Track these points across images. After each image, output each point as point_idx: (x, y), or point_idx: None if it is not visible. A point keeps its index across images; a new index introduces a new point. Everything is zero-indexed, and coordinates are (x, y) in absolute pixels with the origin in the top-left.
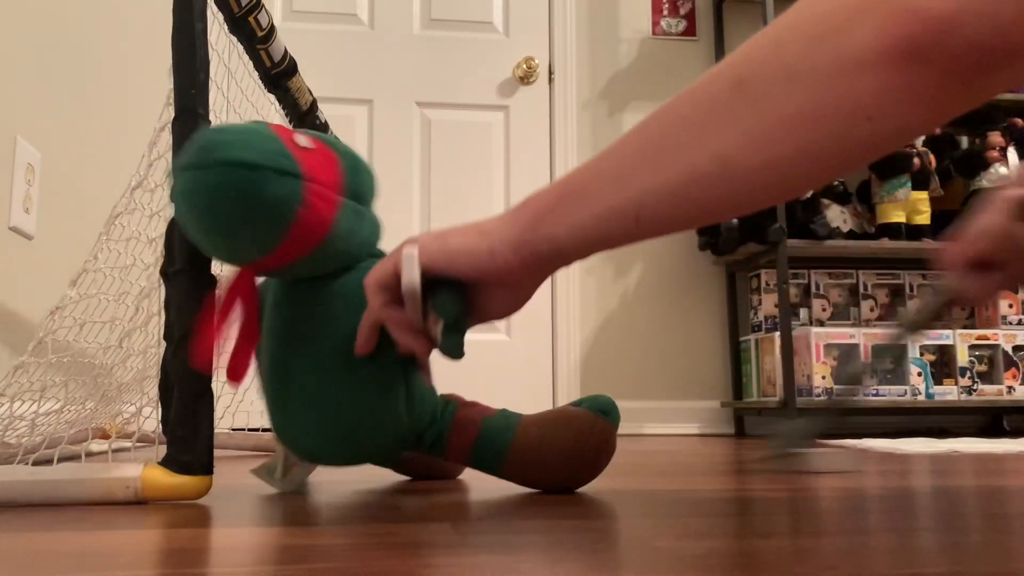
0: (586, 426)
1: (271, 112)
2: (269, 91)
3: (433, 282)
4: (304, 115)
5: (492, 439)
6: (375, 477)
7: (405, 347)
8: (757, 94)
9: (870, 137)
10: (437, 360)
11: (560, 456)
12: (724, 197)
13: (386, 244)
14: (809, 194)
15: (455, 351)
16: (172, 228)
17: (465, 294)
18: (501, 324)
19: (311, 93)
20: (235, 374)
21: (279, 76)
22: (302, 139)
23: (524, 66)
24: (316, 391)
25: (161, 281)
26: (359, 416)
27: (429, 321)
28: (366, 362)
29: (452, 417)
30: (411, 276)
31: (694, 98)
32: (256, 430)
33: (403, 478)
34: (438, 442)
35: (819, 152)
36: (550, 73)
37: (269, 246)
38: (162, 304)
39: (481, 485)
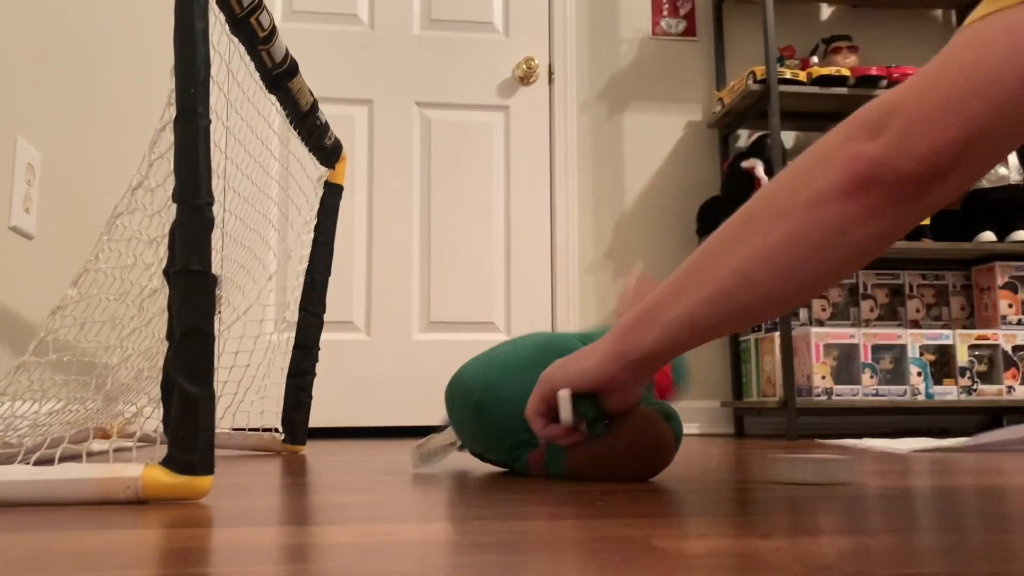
0: (641, 424)
1: (272, 113)
2: (270, 92)
3: (578, 403)
4: (304, 116)
5: (552, 453)
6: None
7: (562, 444)
8: (760, 225)
9: (846, 247)
10: (437, 359)
11: (612, 458)
12: (750, 303)
13: (385, 244)
14: None
15: (598, 431)
16: (175, 228)
17: (600, 398)
18: (502, 324)
19: (312, 94)
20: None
21: (280, 77)
22: None
23: (524, 66)
24: (503, 367)
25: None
26: (509, 393)
27: (576, 423)
28: (529, 372)
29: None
30: (567, 415)
31: (720, 233)
32: (256, 430)
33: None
34: (522, 456)
35: (811, 262)
36: (550, 73)
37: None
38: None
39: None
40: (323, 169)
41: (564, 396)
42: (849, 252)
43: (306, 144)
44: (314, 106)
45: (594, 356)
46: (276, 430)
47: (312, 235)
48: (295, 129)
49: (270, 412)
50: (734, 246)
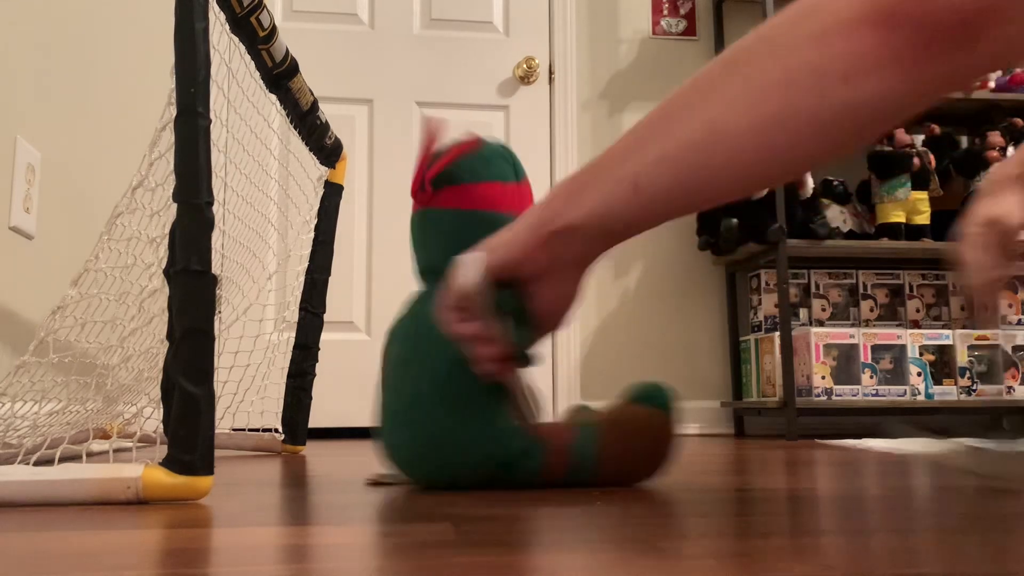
0: (659, 429)
1: (272, 112)
2: (270, 91)
3: (493, 291)
4: (305, 115)
5: (580, 465)
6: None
7: (482, 358)
8: (743, 66)
9: (848, 101)
10: None
11: (641, 461)
12: (716, 163)
13: (385, 244)
14: (809, 194)
15: (524, 342)
16: (175, 228)
17: (521, 292)
18: None
19: (312, 94)
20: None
21: (280, 76)
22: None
23: (524, 66)
24: (409, 405)
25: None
26: (440, 433)
27: (498, 325)
28: (454, 386)
29: (542, 452)
30: (465, 277)
31: (692, 81)
32: (256, 430)
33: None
34: (533, 475)
35: (799, 115)
36: (550, 73)
37: (485, 178)
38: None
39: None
40: (323, 169)
41: (466, 280)
42: (846, 111)
43: (306, 144)
44: (314, 106)
45: (513, 230)
46: (276, 430)
47: (312, 235)
48: (295, 129)
49: (270, 412)
50: (708, 92)
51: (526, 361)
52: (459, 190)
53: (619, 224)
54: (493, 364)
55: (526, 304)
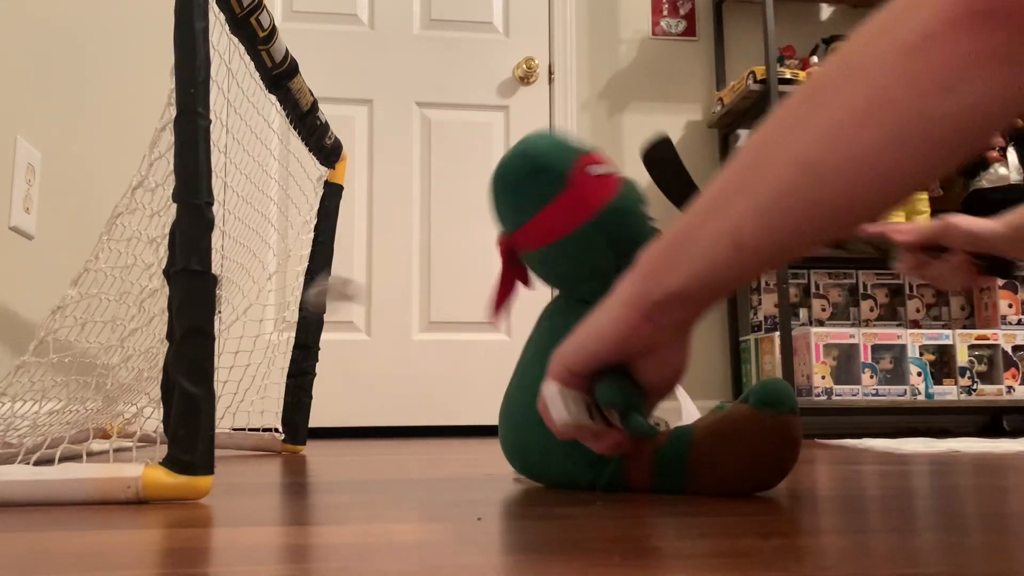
0: (762, 429)
1: (272, 112)
2: (270, 91)
3: (595, 379)
4: (305, 116)
5: (667, 467)
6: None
7: (601, 451)
8: (826, 95)
9: (954, 112)
10: (438, 359)
11: (740, 467)
12: (817, 205)
13: (385, 244)
14: None
15: (639, 431)
16: (175, 228)
17: (625, 375)
18: (501, 324)
19: (312, 94)
20: (494, 310)
21: (280, 77)
22: (597, 168)
23: (524, 66)
24: (510, 406)
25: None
26: (529, 439)
27: (608, 415)
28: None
29: (622, 456)
30: (560, 415)
31: (775, 116)
32: (256, 430)
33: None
34: (617, 480)
35: (900, 139)
36: (550, 73)
37: (531, 212)
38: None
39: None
40: (323, 169)
41: (551, 393)
42: (953, 119)
43: (306, 144)
44: (314, 106)
45: (610, 310)
46: (276, 430)
47: (312, 235)
48: (295, 129)
49: (270, 412)
50: (795, 128)
51: (650, 434)
52: (517, 239)
53: (725, 283)
54: (614, 448)
55: (633, 385)
